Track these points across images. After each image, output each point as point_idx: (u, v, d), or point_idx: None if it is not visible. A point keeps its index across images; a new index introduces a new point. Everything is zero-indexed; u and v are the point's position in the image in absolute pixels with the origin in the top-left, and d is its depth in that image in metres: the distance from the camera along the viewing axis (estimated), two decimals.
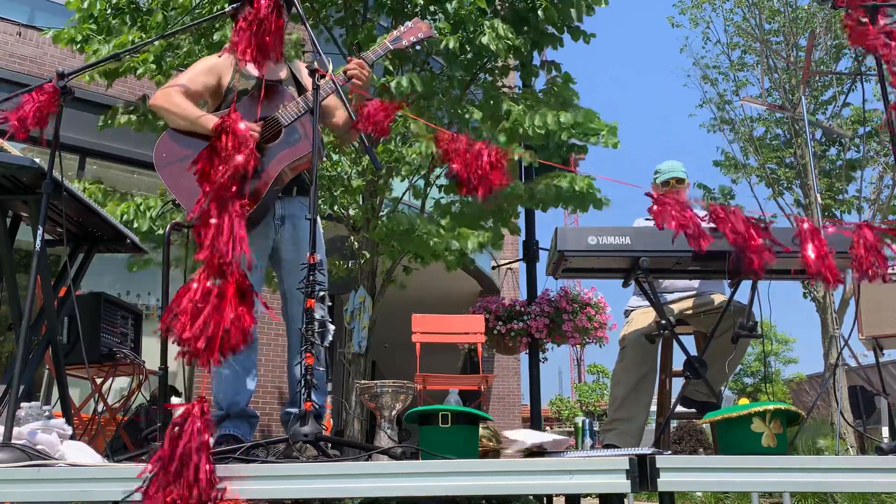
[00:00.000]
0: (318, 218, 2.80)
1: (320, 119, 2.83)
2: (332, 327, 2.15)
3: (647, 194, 2.18)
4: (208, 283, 1.78)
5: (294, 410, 2.60)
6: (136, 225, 5.33)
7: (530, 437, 2.40)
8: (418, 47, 5.80)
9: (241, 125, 2.06)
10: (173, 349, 1.88)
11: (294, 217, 2.69)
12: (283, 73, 2.78)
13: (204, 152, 2.00)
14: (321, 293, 2.14)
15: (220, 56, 2.70)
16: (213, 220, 1.86)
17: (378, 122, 2.28)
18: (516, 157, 5.57)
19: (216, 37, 5.28)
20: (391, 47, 2.71)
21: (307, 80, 2.71)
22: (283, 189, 2.65)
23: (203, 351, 1.71)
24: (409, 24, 2.75)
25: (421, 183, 6.55)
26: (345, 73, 2.59)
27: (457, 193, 6.44)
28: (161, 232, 5.37)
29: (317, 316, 2.08)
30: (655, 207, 2.13)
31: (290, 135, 2.59)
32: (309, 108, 2.57)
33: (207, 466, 1.58)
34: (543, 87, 6.17)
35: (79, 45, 5.55)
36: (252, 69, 2.63)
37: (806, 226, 2.09)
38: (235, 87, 2.65)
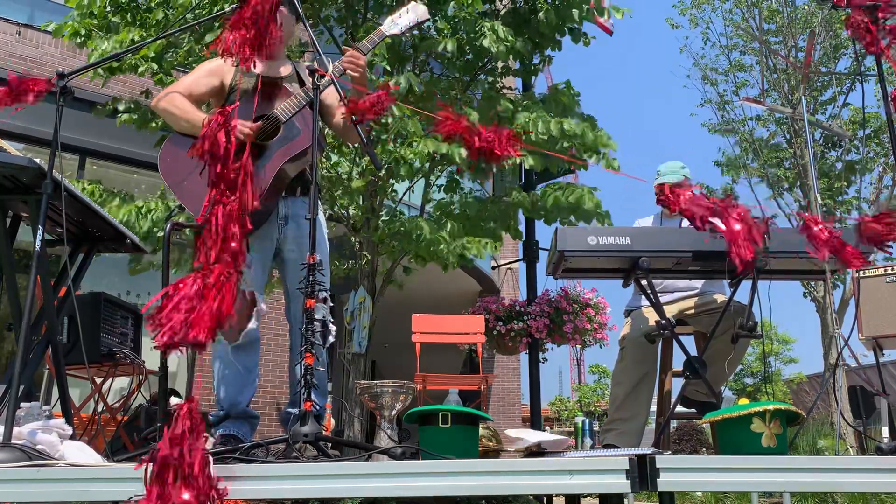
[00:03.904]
0: (323, 218, 2.80)
1: (322, 119, 2.82)
2: (333, 328, 2.14)
3: (660, 197, 2.19)
4: (192, 280, 1.78)
5: (294, 410, 2.60)
6: (136, 228, 5.33)
7: (532, 435, 2.40)
8: (414, 48, 5.81)
9: (229, 124, 2.05)
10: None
11: (297, 217, 2.68)
12: (286, 71, 2.78)
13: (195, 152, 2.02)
14: (323, 294, 2.14)
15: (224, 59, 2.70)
16: (207, 221, 1.87)
17: (369, 105, 2.29)
18: (518, 161, 5.56)
19: (208, 38, 5.28)
20: (387, 34, 2.66)
21: (310, 79, 2.71)
22: (286, 189, 2.65)
23: (178, 336, 1.70)
24: (405, 8, 2.69)
25: (422, 183, 6.55)
26: (340, 63, 2.57)
27: (456, 192, 6.45)
28: (161, 235, 5.36)
29: (318, 316, 2.08)
30: (666, 195, 2.14)
31: (289, 130, 2.58)
32: (307, 102, 2.55)
33: (205, 466, 1.57)
34: (544, 93, 6.17)
35: (81, 40, 5.54)
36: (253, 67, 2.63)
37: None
38: (238, 86, 2.65)
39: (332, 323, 2.16)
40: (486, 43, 5.19)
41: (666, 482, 1.68)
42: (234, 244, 1.84)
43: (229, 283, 1.78)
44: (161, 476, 1.55)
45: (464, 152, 5.10)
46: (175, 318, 1.70)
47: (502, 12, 6.00)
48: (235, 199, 1.91)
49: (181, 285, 1.77)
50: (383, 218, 5.98)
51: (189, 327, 1.70)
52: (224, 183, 1.94)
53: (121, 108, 6.00)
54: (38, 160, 2.23)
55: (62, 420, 2.03)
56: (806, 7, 12.07)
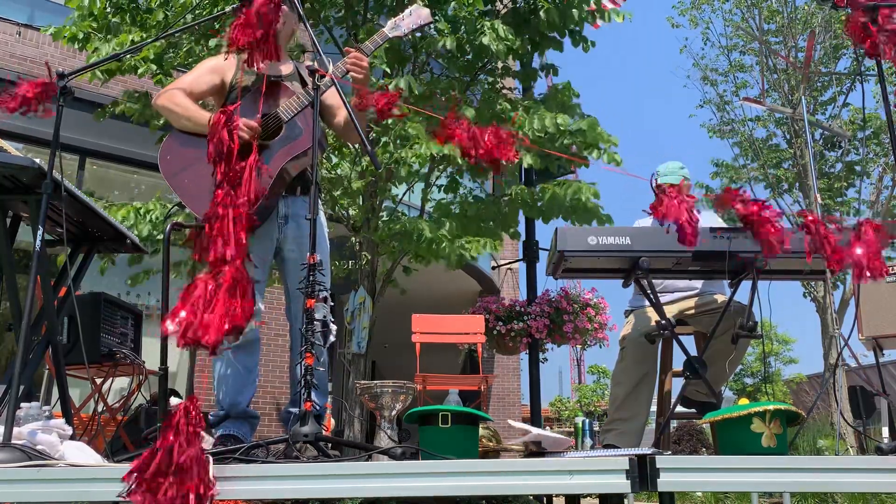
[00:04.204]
0: (323, 218, 2.80)
1: (322, 119, 2.82)
2: (334, 327, 2.14)
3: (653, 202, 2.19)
4: (207, 280, 1.79)
5: (295, 410, 2.60)
6: (135, 232, 5.33)
7: (535, 429, 2.41)
8: (414, 48, 5.81)
9: (234, 123, 2.06)
10: (173, 349, 1.88)
11: (297, 216, 2.68)
12: (287, 69, 2.78)
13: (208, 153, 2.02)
14: (324, 294, 2.14)
15: (225, 57, 2.70)
16: (213, 221, 1.87)
17: (378, 104, 2.29)
18: (516, 160, 5.53)
19: (211, 43, 5.28)
20: (390, 35, 2.65)
21: (310, 79, 2.71)
22: (286, 188, 2.65)
23: (199, 338, 1.71)
24: (408, 10, 2.69)
25: (421, 184, 6.55)
26: (343, 65, 2.57)
27: (457, 193, 6.44)
28: (160, 237, 5.36)
29: (319, 316, 2.08)
30: (658, 205, 2.14)
31: (291, 130, 2.57)
32: (309, 102, 2.55)
33: (201, 466, 1.57)
34: (543, 93, 6.16)
35: (80, 44, 5.54)
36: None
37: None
38: (239, 84, 2.65)
39: (333, 322, 2.16)
40: (485, 40, 5.18)
41: (666, 482, 1.68)
42: (242, 245, 1.85)
43: (243, 285, 1.79)
44: (155, 476, 1.55)
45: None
46: (194, 320, 1.72)
47: (502, 12, 6.00)
48: (242, 200, 1.91)
49: (193, 288, 1.78)
50: (383, 218, 5.98)
51: (207, 329, 1.71)
52: (229, 182, 1.94)
53: (120, 106, 6.03)
54: (38, 160, 2.23)
55: (62, 420, 2.03)
56: (806, 7, 12.07)
